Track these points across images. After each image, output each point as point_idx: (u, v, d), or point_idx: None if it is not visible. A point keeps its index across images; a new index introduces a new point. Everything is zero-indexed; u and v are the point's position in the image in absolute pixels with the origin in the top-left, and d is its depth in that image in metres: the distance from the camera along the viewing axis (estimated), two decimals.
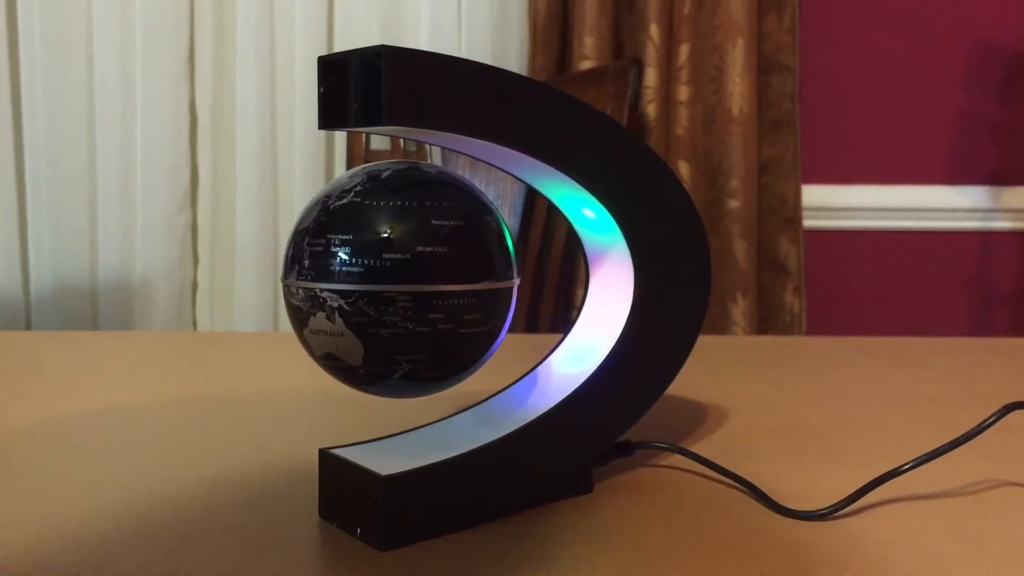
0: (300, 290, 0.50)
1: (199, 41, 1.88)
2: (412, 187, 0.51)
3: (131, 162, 1.87)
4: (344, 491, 0.53)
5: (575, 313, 0.62)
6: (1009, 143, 1.97)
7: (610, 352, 0.58)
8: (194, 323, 1.95)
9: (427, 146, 1.73)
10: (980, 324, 2.01)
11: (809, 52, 1.91)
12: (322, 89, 0.51)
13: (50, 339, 1.32)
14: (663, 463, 0.64)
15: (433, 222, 0.50)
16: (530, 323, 1.69)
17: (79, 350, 1.12)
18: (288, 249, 0.52)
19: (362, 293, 0.48)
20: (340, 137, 1.89)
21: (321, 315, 0.49)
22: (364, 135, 1.77)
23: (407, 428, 0.58)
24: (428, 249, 0.49)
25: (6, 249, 1.86)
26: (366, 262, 0.49)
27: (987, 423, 0.58)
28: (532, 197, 1.68)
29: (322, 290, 0.49)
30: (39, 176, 1.86)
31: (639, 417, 0.60)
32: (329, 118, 0.51)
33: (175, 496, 0.60)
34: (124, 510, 0.57)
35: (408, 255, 0.49)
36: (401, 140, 1.70)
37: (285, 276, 0.52)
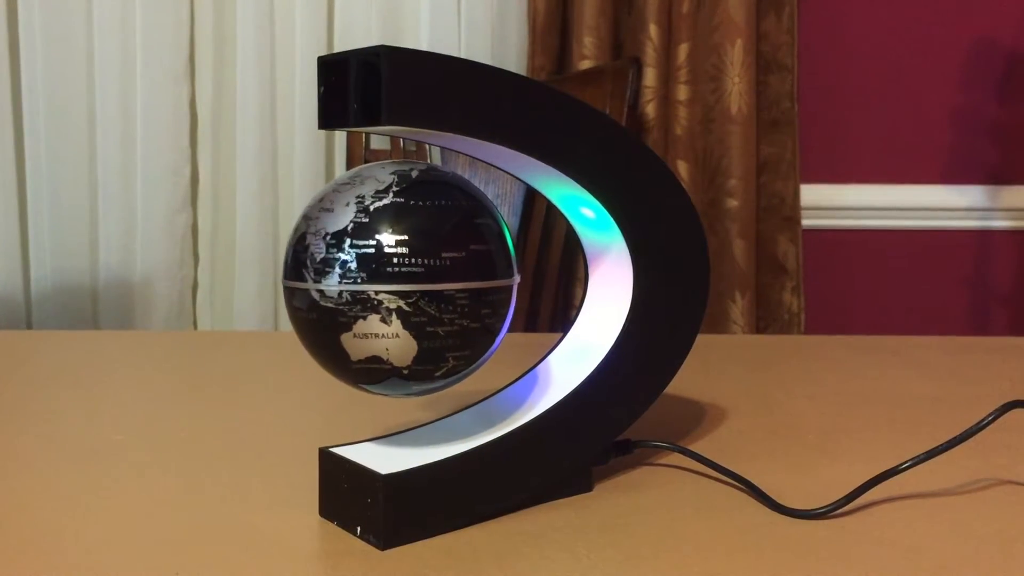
0: (345, 294, 0.48)
1: (199, 41, 1.88)
2: (444, 187, 0.51)
3: (131, 161, 1.87)
4: (344, 490, 0.53)
5: (574, 312, 0.62)
6: (1007, 142, 1.97)
7: (609, 351, 0.58)
8: (194, 323, 1.95)
9: (427, 146, 1.73)
10: (978, 323, 2.01)
11: (808, 52, 1.91)
12: (322, 89, 0.51)
13: (50, 338, 1.32)
14: (662, 462, 0.65)
15: (476, 221, 0.51)
16: (529, 322, 1.69)
17: (79, 349, 1.12)
18: (311, 253, 0.50)
19: (423, 293, 0.48)
20: (340, 137, 1.89)
21: (374, 318, 0.48)
22: (364, 135, 1.77)
23: (407, 427, 0.59)
24: (479, 247, 0.50)
25: (7, 248, 1.86)
26: (426, 262, 0.49)
27: (985, 422, 0.58)
28: (532, 196, 1.68)
29: (377, 292, 0.48)
30: (40, 175, 1.85)
31: (638, 416, 0.60)
32: (329, 118, 0.52)
33: (174, 495, 0.60)
34: (123, 509, 0.57)
35: (464, 253, 0.50)
36: (401, 140, 1.70)
37: (314, 280, 0.49)
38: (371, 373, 0.50)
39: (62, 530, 0.54)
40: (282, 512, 0.56)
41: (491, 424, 0.56)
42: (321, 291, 0.49)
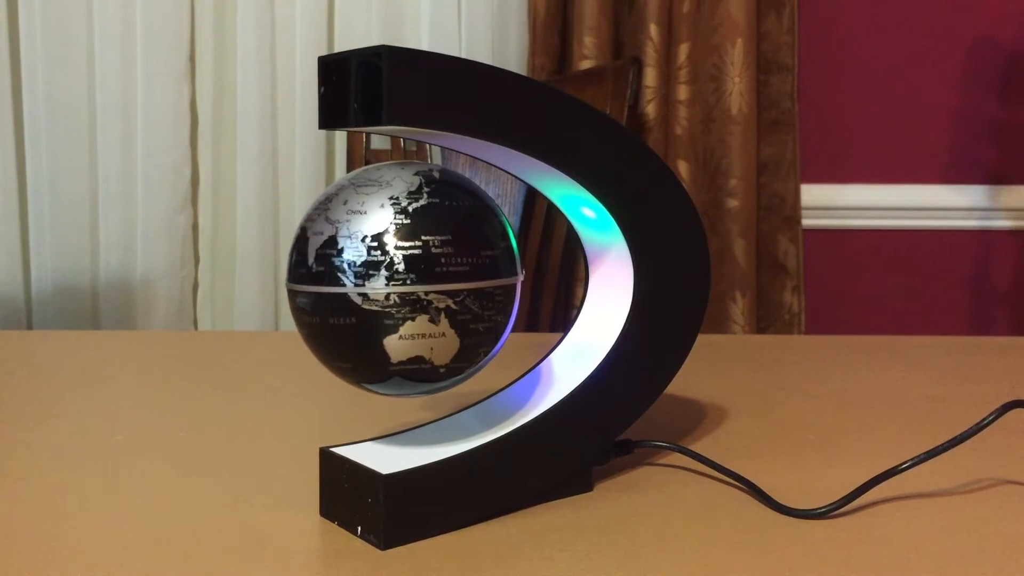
0: (393, 296, 0.48)
1: (200, 41, 1.88)
2: (464, 187, 0.52)
3: (132, 161, 1.87)
4: (344, 490, 0.53)
5: (575, 312, 0.62)
6: (1008, 142, 1.97)
7: (610, 351, 0.58)
8: (195, 322, 1.95)
9: (427, 146, 1.73)
10: (979, 323, 2.01)
11: (808, 52, 1.91)
12: (322, 89, 0.51)
13: (51, 338, 1.32)
14: (663, 462, 0.65)
15: (499, 220, 0.53)
16: (530, 322, 1.69)
17: (80, 349, 1.12)
18: (347, 256, 0.49)
19: (470, 291, 0.50)
20: (340, 137, 1.89)
21: (423, 318, 0.49)
22: (364, 135, 1.77)
23: (407, 427, 0.59)
24: (506, 244, 0.52)
25: (7, 248, 1.86)
26: (470, 260, 0.50)
27: (986, 422, 0.58)
28: (532, 196, 1.68)
29: (427, 292, 0.49)
30: (40, 175, 1.85)
31: (639, 416, 0.60)
32: (329, 118, 0.52)
33: (175, 495, 0.60)
34: (124, 509, 0.57)
35: (497, 251, 0.51)
36: (401, 140, 1.70)
37: (355, 284, 0.48)
38: (404, 374, 0.50)
39: (62, 530, 0.54)
40: (282, 512, 0.56)
41: (491, 424, 0.56)
42: (364, 294, 0.49)
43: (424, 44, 1.83)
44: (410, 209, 0.49)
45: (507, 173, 0.59)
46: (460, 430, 0.57)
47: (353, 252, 0.49)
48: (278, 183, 1.90)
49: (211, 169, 1.90)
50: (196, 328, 1.94)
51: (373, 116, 0.48)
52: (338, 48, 1.87)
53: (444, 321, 0.49)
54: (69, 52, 1.85)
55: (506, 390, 0.60)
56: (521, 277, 0.54)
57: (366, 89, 0.49)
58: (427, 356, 0.50)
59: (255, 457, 0.68)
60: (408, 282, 0.48)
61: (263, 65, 1.86)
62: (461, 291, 0.49)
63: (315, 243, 0.50)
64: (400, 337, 0.49)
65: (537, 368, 0.61)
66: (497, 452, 0.54)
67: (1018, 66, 1.96)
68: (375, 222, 0.49)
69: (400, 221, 0.49)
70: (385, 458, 0.53)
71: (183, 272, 1.90)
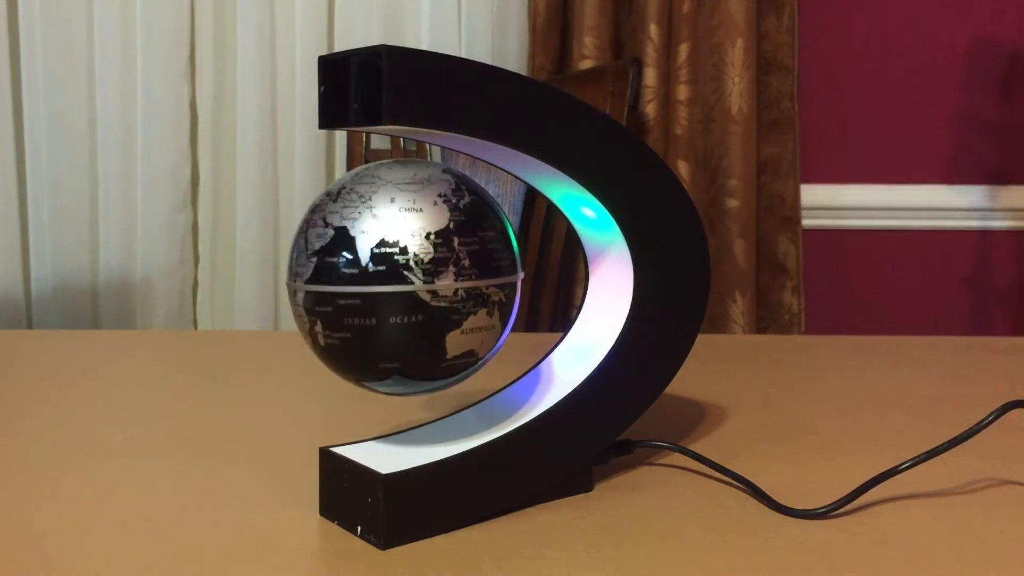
0: (460, 291, 0.49)
1: (200, 40, 1.88)
2: (479, 185, 0.53)
3: (132, 161, 1.87)
4: (344, 489, 0.53)
5: (575, 312, 0.62)
6: (1007, 142, 1.97)
7: (610, 351, 0.58)
8: (194, 322, 1.95)
9: (427, 146, 1.73)
10: (978, 323, 2.01)
11: (808, 52, 1.91)
12: (322, 89, 0.51)
13: (51, 338, 1.32)
14: (663, 461, 0.65)
15: (507, 218, 0.54)
16: (530, 322, 1.69)
17: (80, 349, 1.12)
18: (413, 254, 0.48)
19: (512, 284, 0.52)
20: (340, 136, 1.89)
21: (483, 312, 0.50)
22: (364, 134, 1.77)
23: (407, 427, 0.59)
24: (518, 240, 0.54)
25: (7, 248, 1.86)
26: (510, 255, 0.52)
27: (986, 422, 0.58)
28: (532, 196, 1.68)
29: (488, 286, 0.50)
30: (40, 175, 1.85)
31: (639, 415, 0.60)
32: (329, 117, 0.52)
33: (175, 494, 0.60)
34: (123, 509, 0.57)
35: (519, 247, 0.54)
36: (401, 139, 1.70)
37: (424, 281, 0.48)
38: (454, 368, 0.51)
39: (62, 530, 0.54)
40: (282, 512, 0.56)
41: (492, 423, 0.56)
42: (434, 291, 0.49)
43: (424, 44, 1.83)
44: (461, 206, 0.50)
45: (507, 173, 0.59)
46: (460, 430, 0.57)
47: (419, 250, 0.48)
48: (278, 183, 1.90)
49: (211, 169, 1.90)
50: (196, 328, 1.94)
51: (373, 116, 0.48)
52: (338, 48, 1.87)
53: (496, 313, 0.51)
54: (69, 52, 1.85)
55: (506, 390, 0.60)
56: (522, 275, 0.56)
57: (366, 89, 0.49)
58: (477, 349, 0.51)
59: (255, 457, 0.68)
60: (473, 277, 0.49)
61: (263, 65, 1.86)
62: (508, 284, 0.51)
63: (367, 241, 0.49)
64: (462, 332, 0.50)
65: (537, 368, 0.61)
66: (497, 452, 0.54)
67: (1017, 66, 1.96)
68: (434, 219, 0.49)
69: (458, 218, 0.50)
70: (385, 458, 0.53)
71: (183, 272, 1.90)
